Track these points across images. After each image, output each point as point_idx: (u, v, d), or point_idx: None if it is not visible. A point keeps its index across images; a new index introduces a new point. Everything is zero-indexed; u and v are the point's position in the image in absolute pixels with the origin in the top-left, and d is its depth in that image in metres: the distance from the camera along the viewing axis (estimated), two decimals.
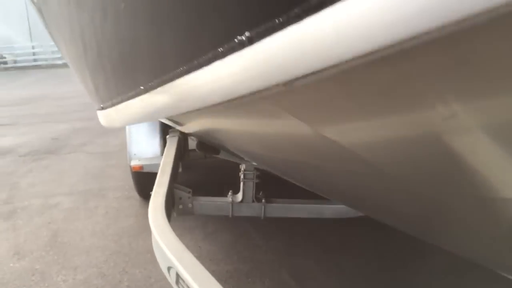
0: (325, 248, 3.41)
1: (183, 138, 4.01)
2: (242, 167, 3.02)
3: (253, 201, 3.05)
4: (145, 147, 4.04)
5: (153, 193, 2.54)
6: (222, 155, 3.24)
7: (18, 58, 24.73)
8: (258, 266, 3.14)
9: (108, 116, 1.92)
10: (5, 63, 24.33)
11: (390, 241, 3.39)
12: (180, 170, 4.01)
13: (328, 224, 3.52)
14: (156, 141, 4.04)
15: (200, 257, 3.25)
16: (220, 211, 3.07)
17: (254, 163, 2.79)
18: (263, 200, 3.04)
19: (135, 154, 4.03)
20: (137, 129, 4.08)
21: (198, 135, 1.77)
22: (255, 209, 3.06)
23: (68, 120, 8.81)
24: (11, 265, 3.30)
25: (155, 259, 2.03)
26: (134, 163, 3.89)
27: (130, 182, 4.41)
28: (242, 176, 3.02)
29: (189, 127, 1.60)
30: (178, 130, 3.81)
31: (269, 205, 3.05)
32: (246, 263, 3.18)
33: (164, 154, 3.40)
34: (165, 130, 4.01)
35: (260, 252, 3.35)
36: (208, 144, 3.07)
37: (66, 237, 3.71)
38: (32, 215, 4.19)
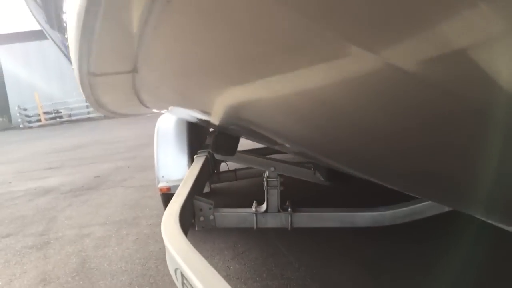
0: (361, 262, 3.11)
1: (212, 157, 3.89)
2: (265, 174, 2.84)
3: (278, 211, 2.83)
4: (173, 169, 3.93)
5: (170, 203, 2.40)
6: (241, 161, 3.05)
7: (73, 112, 25.94)
8: (288, 283, 2.88)
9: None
10: (61, 117, 25.59)
11: (429, 250, 3.05)
12: (208, 190, 3.89)
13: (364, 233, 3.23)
14: (184, 162, 3.93)
15: (228, 276, 3.06)
16: (243, 222, 2.87)
17: (289, 147, 2.26)
18: (289, 209, 2.82)
19: (163, 177, 3.93)
20: (165, 151, 4.00)
21: (226, 116, 1.59)
22: (281, 219, 2.84)
23: (112, 160, 8.97)
24: None
25: None
26: (162, 185, 3.79)
27: (162, 209, 4.30)
28: (265, 184, 2.83)
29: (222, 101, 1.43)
30: (207, 150, 3.70)
31: (296, 215, 2.82)
32: (275, 280, 2.93)
33: (189, 169, 3.28)
34: (193, 151, 3.91)
35: (292, 268, 3.10)
36: (227, 140, 2.88)
37: (94, 263, 3.60)
38: (64, 245, 4.14)
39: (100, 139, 13.99)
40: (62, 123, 25.18)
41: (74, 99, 25.88)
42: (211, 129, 5.55)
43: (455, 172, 1.23)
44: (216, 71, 1.13)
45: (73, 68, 1.25)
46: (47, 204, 5.85)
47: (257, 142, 2.94)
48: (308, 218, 2.83)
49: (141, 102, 1.84)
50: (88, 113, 26.03)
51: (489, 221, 1.54)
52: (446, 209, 2.74)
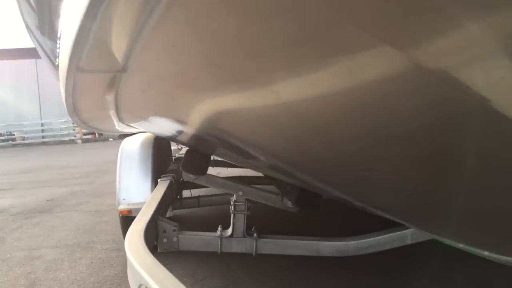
0: None
1: (176, 182, 3.83)
2: (233, 198, 2.82)
3: (244, 236, 2.80)
4: (135, 191, 3.84)
5: (134, 222, 2.35)
6: (210, 183, 3.01)
7: (27, 135, 25.09)
8: None
9: None
10: (14, 140, 24.67)
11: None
12: (170, 214, 3.82)
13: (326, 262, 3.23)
14: (147, 186, 3.85)
15: None
16: (207, 246, 2.81)
17: (264, 160, 2.25)
18: (254, 235, 2.79)
19: (124, 199, 3.82)
20: (128, 172, 3.92)
21: (205, 125, 1.58)
22: (246, 245, 2.80)
23: (67, 185, 8.66)
24: None
25: None
26: (123, 207, 3.68)
27: (120, 234, 4.16)
28: (232, 208, 2.81)
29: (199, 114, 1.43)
30: (171, 175, 3.65)
31: (262, 241, 2.80)
32: None
33: (153, 191, 3.22)
34: (157, 175, 3.84)
35: None
36: (199, 158, 2.84)
37: (44, 286, 3.42)
38: (12, 266, 3.92)
39: (55, 163, 13.52)
40: (14, 146, 24.21)
41: (30, 122, 25.11)
42: (177, 155, 5.51)
43: (430, 191, 1.26)
44: (204, 78, 1.13)
45: (57, 63, 1.23)
46: None
47: (229, 160, 2.92)
48: (273, 245, 2.81)
49: (118, 112, 1.82)
50: (43, 137, 25.25)
51: (461, 246, 1.58)
52: (409, 241, 2.79)
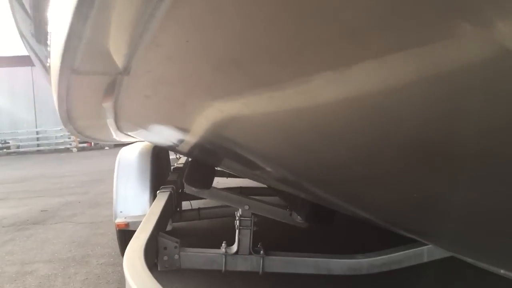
0: None
1: (176, 194, 3.65)
2: (238, 212, 2.65)
3: (250, 253, 2.62)
4: (133, 204, 3.67)
5: (133, 238, 2.17)
6: (214, 197, 2.82)
7: (22, 143, 24.83)
8: None
9: None
10: (8, 148, 24.39)
11: None
12: (170, 228, 3.63)
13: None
14: (145, 198, 3.67)
15: None
16: (211, 264, 2.63)
17: (271, 171, 2.01)
18: (261, 252, 2.61)
19: (121, 212, 3.64)
20: (125, 184, 3.74)
21: (210, 133, 1.42)
22: (253, 263, 2.62)
23: (61, 194, 8.45)
24: None
25: None
26: (120, 220, 3.49)
27: (117, 248, 3.97)
28: (237, 223, 2.63)
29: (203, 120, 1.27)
30: (170, 186, 3.47)
31: (269, 258, 2.62)
32: None
33: (151, 206, 3.04)
34: (156, 186, 3.66)
35: None
36: (203, 171, 2.65)
37: None
38: (3, 283, 3.72)
39: (50, 172, 13.30)
40: (9, 154, 23.91)
41: (25, 130, 24.86)
42: (176, 164, 5.32)
43: (445, 204, 1.14)
44: (220, 79, 0.98)
45: (48, 64, 1.06)
46: None
47: (235, 172, 2.75)
48: (281, 263, 2.63)
49: (117, 121, 1.65)
50: (38, 145, 25.00)
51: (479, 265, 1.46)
52: (425, 259, 2.63)
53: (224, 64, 0.86)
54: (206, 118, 1.30)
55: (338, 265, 2.63)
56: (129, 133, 2.34)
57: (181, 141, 1.99)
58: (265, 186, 4.97)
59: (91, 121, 1.70)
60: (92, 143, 24.50)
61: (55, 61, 0.95)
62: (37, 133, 25.26)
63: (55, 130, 23.69)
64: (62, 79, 1.01)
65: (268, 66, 0.84)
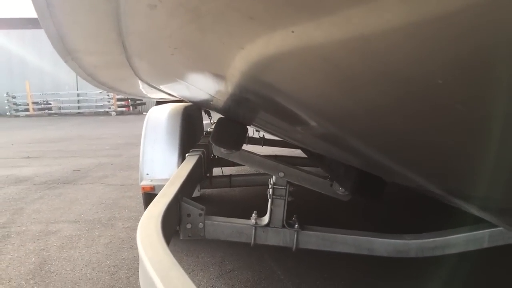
0: None
1: (206, 158, 3.39)
2: (271, 180, 2.34)
3: (283, 226, 2.33)
4: (160, 166, 3.44)
5: (152, 203, 1.92)
6: (245, 161, 2.51)
7: (63, 105, 25.28)
8: None
9: None
10: (50, 109, 24.89)
11: None
12: (198, 194, 3.39)
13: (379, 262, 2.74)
14: (173, 160, 3.43)
15: None
16: (239, 236, 2.35)
17: (316, 125, 1.58)
18: (296, 226, 2.31)
19: (147, 174, 3.43)
20: (153, 145, 3.51)
21: (243, 80, 1.11)
22: (285, 237, 2.33)
23: (95, 156, 8.41)
24: None
25: None
26: (145, 183, 3.27)
27: (143, 211, 3.78)
28: (270, 192, 2.33)
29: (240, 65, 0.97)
30: (201, 150, 3.20)
31: (304, 233, 2.32)
32: None
33: (179, 168, 2.77)
34: (185, 150, 3.41)
35: None
36: (233, 129, 2.34)
37: (55, 266, 3.06)
38: (25, 241, 3.59)
39: (87, 134, 13.40)
40: (50, 115, 24.46)
41: (66, 92, 25.27)
42: (209, 129, 5.06)
43: None
44: (248, 8, 0.67)
45: None
46: (16, 194, 5.28)
47: (271, 131, 2.44)
48: (318, 239, 2.32)
49: (129, 57, 1.35)
50: (79, 108, 25.44)
51: None
52: (486, 244, 2.27)
53: None
54: (235, 54, 0.99)
55: (383, 245, 2.31)
56: (150, 83, 2.05)
57: (208, 92, 1.68)
58: (304, 156, 4.67)
59: (98, 57, 1.41)
60: (131, 108, 24.75)
61: None
62: (78, 95, 25.64)
63: (95, 93, 24.01)
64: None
65: None
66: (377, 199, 2.09)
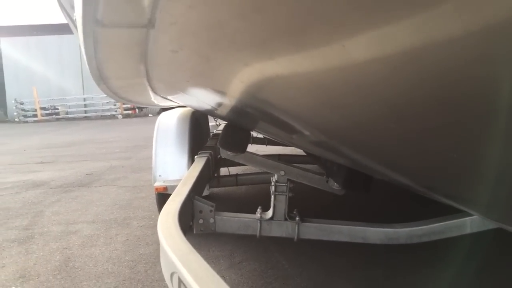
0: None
1: (214, 159, 3.66)
2: (274, 178, 2.61)
3: (285, 219, 2.60)
4: (172, 168, 3.71)
5: (168, 201, 2.18)
6: (249, 161, 2.79)
7: (70, 110, 25.67)
8: None
9: None
10: (58, 114, 25.30)
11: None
12: (207, 193, 3.66)
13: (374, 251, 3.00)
14: (183, 162, 3.71)
15: None
16: (246, 229, 2.63)
17: (311, 134, 1.90)
18: (297, 218, 2.58)
19: (160, 176, 3.70)
20: (164, 149, 3.78)
21: (244, 95, 1.38)
22: (288, 229, 2.60)
23: (106, 159, 8.71)
24: None
25: None
26: (158, 184, 3.55)
27: (156, 211, 4.06)
28: (273, 189, 2.60)
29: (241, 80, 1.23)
30: (208, 152, 3.48)
31: (304, 225, 2.59)
32: None
33: (189, 169, 3.05)
34: (193, 152, 3.69)
35: (293, 283, 2.85)
36: (238, 134, 2.62)
37: (78, 262, 3.35)
38: (49, 241, 3.88)
39: (96, 138, 13.72)
40: (58, 120, 24.87)
41: (73, 96, 25.65)
42: (215, 131, 5.34)
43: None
44: (247, 32, 0.92)
45: (75, 18, 1.03)
46: (35, 198, 5.58)
47: (271, 136, 2.70)
48: (317, 230, 2.59)
49: (149, 80, 1.62)
50: (85, 112, 25.82)
51: None
52: (468, 230, 2.53)
53: (249, 14, 0.80)
54: (237, 77, 1.25)
55: (375, 234, 2.57)
56: (164, 96, 2.33)
57: (215, 104, 1.95)
58: (303, 154, 4.94)
59: (124, 81, 1.69)
60: (137, 110, 25.07)
61: (78, 12, 0.92)
62: (84, 99, 26.01)
63: (101, 97, 24.33)
64: (87, 33, 0.98)
65: (301, 21, 0.78)
66: (366, 192, 2.36)
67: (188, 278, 1.34)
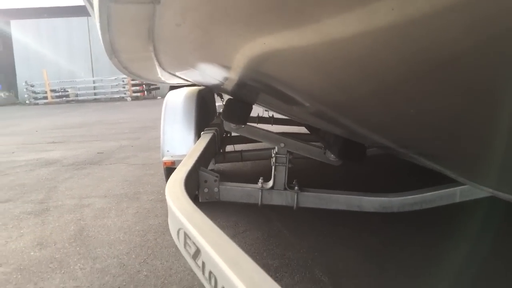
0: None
1: (219, 136, 3.83)
2: (274, 150, 2.77)
3: (285, 189, 2.76)
4: (179, 144, 3.88)
5: (175, 171, 2.35)
6: (251, 134, 2.95)
7: (80, 92, 25.92)
8: (289, 263, 2.82)
9: None
10: (67, 96, 25.56)
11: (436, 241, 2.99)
12: (213, 167, 3.83)
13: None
14: (190, 138, 3.88)
15: None
16: (248, 198, 2.80)
17: (308, 105, 2.00)
18: (296, 188, 2.75)
19: (168, 151, 3.88)
20: (172, 125, 3.95)
21: (247, 69, 1.52)
22: (287, 198, 2.77)
23: (116, 139, 8.91)
24: (32, 253, 3.16)
25: (179, 252, 1.78)
26: (166, 158, 3.73)
27: (165, 185, 4.24)
28: (273, 160, 2.76)
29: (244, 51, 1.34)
30: (214, 128, 3.64)
31: (303, 194, 2.75)
32: (275, 259, 2.87)
33: (195, 143, 3.23)
34: (200, 129, 3.85)
35: (293, 249, 3.03)
36: (240, 107, 2.79)
37: (92, 232, 3.55)
38: (63, 213, 4.09)
39: (106, 119, 13.95)
40: (68, 102, 25.15)
41: (82, 79, 25.88)
42: (221, 110, 5.50)
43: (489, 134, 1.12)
44: (246, 13, 1.06)
45: None
46: (48, 175, 5.80)
47: (272, 108, 2.85)
48: (315, 199, 2.76)
49: (157, 54, 1.78)
50: (95, 94, 26.05)
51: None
52: (457, 199, 2.68)
53: None
54: (237, 50, 1.39)
55: (370, 202, 2.73)
56: (172, 72, 2.49)
57: (217, 77, 2.10)
58: (305, 133, 5.09)
59: (135, 55, 1.84)
60: (145, 93, 25.25)
61: None
62: (94, 82, 26.23)
63: (110, 80, 24.57)
64: (102, 9, 1.14)
65: None
66: (359, 162, 2.52)
67: (193, 231, 1.50)
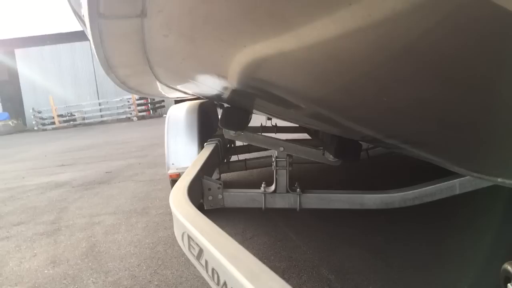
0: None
1: (223, 146, 3.91)
2: (274, 154, 2.84)
3: (287, 191, 2.82)
4: (183, 156, 3.96)
5: (179, 180, 2.42)
6: (250, 140, 3.02)
7: (86, 115, 26.19)
8: (296, 264, 2.87)
9: None
10: (74, 120, 25.84)
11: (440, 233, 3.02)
12: (218, 177, 3.90)
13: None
14: (193, 150, 3.95)
15: None
16: (252, 202, 2.86)
17: (304, 107, 2.04)
18: (298, 190, 2.81)
19: (173, 164, 3.95)
20: (175, 138, 4.03)
21: (241, 76, 1.57)
22: (290, 200, 2.82)
23: (123, 158, 9.02)
24: (45, 271, 3.24)
25: (188, 261, 1.84)
26: (172, 171, 3.81)
27: None
28: (274, 164, 2.83)
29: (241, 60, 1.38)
30: (217, 139, 3.72)
31: (305, 195, 2.81)
32: (283, 262, 2.92)
33: (199, 154, 3.30)
34: (203, 140, 3.93)
35: (300, 252, 3.08)
36: (238, 114, 2.86)
37: (103, 247, 3.62)
38: (74, 231, 4.17)
39: (113, 140, 14.09)
40: (75, 126, 25.41)
41: (88, 102, 26.17)
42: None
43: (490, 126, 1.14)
44: (226, 20, 1.12)
45: (83, 15, 1.27)
46: (59, 196, 5.89)
47: (268, 113, 2.92)
48: (317, 199, 2.81)
49: (152, 67, 1.86)
50: (101, 116, 26.31)
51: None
52: (457, 191, 2.72)
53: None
54: (225, 58, 1.46)
55: (372, 199, 2.78)
56: (168, 84, 2.57)
57: (211, 87, 2.17)
58: (307, 138, 5.15)
59: (130, 69, 1.92)
60: (151, 112, 25.46)
61: (84, 8, 1.15)
62: (100, 104, 26.50)
63: (116, 101, 24.84)
64: (93, 25, 1.22)
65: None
66: (355, 160, 2.58)
67: (195, 233, 1.56)
